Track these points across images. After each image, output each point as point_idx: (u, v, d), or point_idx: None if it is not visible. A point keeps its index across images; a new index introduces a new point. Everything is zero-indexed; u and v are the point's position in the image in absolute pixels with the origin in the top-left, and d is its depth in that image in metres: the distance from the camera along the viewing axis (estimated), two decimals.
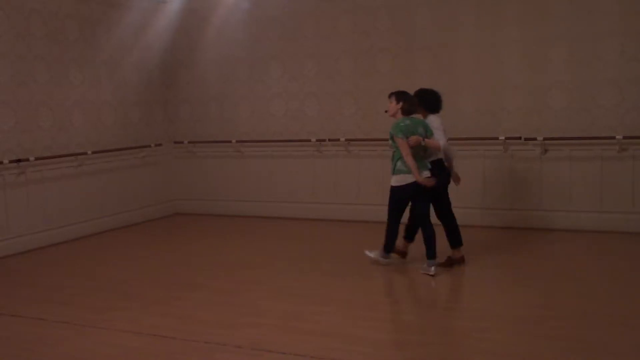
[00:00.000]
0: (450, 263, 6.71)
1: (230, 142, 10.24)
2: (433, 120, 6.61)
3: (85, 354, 4.69)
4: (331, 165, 9.63)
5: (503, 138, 8.51)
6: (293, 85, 9.76)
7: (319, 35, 9.52)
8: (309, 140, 9.61)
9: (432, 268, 6.41)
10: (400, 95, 6.55)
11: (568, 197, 8.35)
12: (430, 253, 6.44)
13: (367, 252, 6.91)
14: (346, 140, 9.42)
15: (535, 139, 8.38)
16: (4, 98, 7.78)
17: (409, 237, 6.97)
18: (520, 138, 8.45)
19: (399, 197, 6.50)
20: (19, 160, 7.87)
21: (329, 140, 9.53)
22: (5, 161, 7.70)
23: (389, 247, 6.72)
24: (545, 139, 8.33)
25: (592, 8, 8.07)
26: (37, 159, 8.11)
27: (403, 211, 6.64)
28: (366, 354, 4.50)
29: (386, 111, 6.70)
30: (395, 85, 9.01)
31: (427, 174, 6.38)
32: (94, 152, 9.02)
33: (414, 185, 6.33)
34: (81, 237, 8.82)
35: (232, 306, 5.67)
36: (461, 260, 6.75)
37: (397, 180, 6.42)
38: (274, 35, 9.82)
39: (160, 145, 10.42)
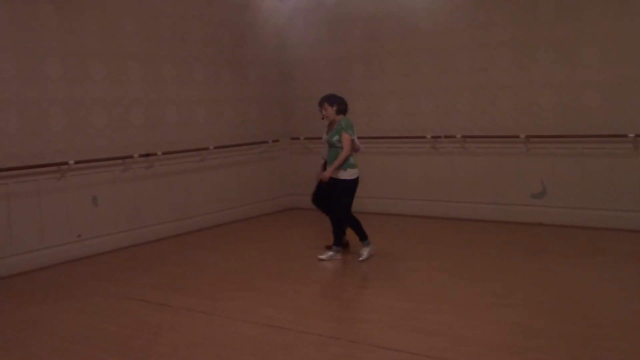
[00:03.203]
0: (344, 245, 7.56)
1: None
2: None
3: (205, 340, 4.92)
4: (446, 163, 9.48)
5: (632, 135, 8.01)
6: (407, 81, 9.69)
7: (435, 30, 9.38)
8: (424, 137, 9.51)
9: (366, 250, 7.19)
10: (330, 100, 7.12)
11: None
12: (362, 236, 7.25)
13: (321, 256, 7.23)
14: (462, 137, 9.24)
15: None
16: (136, 96, 8.29)
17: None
18: None
19: (352, 189, 7.13)
20: (147, 155, 8.36)
21: (445, 137, 9.38)
22: (135, 155, 8.21)
23: (363, 237, 7.24)
24: None
25: None
26: (163, 153, 8.59)
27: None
28: (479, 355, 4.41)
29: (323, 118, 7.21)
30: (514, 81, 8.77)
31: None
32: (215, 148, 9.40)
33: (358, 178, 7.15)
34: (202, 228, 9.25)
35: (345, 301, 5.74)
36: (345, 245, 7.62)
37: (351, 174, 7.06)
38: (388, 32, 9.79)
39: (277, 141, 10.69)
